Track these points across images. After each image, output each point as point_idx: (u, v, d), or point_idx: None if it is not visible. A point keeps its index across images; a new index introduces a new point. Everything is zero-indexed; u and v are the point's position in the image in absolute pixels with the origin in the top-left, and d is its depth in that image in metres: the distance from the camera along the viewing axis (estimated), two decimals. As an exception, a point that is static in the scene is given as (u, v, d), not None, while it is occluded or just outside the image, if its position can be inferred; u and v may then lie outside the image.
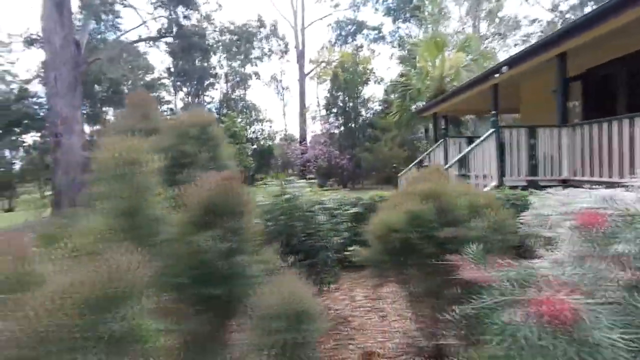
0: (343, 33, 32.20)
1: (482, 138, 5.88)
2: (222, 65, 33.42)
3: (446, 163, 8.34)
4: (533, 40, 23.45)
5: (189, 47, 16.78)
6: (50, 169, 16.30)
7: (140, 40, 16.35)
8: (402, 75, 15.09)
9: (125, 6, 16.09)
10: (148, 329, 0.89)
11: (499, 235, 1.79)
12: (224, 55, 29.95)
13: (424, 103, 13.09)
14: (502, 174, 5.75)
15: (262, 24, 27.07)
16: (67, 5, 9.35)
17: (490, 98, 8.40)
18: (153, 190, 1.27)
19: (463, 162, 5.84)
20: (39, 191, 15.21)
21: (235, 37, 25.82)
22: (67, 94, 9.25)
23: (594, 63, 6.77)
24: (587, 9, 21.11)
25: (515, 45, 26.05)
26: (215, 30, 20.84)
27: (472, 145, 5.88)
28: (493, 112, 6.06)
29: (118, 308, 0.85)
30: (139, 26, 15.64)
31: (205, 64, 31.34)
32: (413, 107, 13.36)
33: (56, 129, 9.26)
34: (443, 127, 9.78)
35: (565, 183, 5.58)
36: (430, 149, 8.82)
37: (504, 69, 6.78)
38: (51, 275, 0.93)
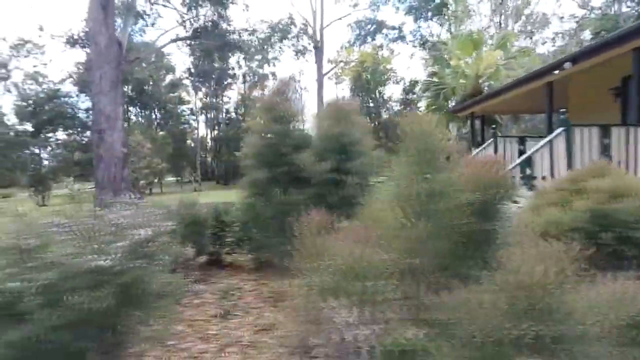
0: (362, 33, 31.93)
1: (549, 137, 5.64)
2: (240, 65, 33.62)
3: (496, 163, 8.08)
4: (566, 38, 22.80)
5: (223, 45, 16.95)
6: (83, 165, 16.62)
7: (177, 39, 16.60)
8: (433, 74, 14.83)
9: (165, 6, 16.37)
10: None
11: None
12: (243, 56, 30.08)
13: (454, 102, 12.80)
14: (570, 174, 5.49)
15: (292, 22, 27.03)
16: (112, 6, 9.48)
17: (539, 97, 8.11)
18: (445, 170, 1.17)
19: (529, 163, 5.61)
20: (71, 188, 15.52)
21: (267, 35, 25.90)
22: (111, 91, 9.37)
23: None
24: (623, 5, 20.39)
25: (544, 43, 25.41)
26: (248, 29, 21.04)
27: (540, 144, 5.64)
28: (563, 109, 5.81)
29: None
30: (175, 27, 15.89)
31: (224, 65, 31.52)
32: (447, 106, 13.11)
33: (99, 125, 9.39)
34: (493, 126, 9.55)
35: (642, 184, 5.29)
36: (480, 148, 8.59)
37: (567, 65, 6.49)
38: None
